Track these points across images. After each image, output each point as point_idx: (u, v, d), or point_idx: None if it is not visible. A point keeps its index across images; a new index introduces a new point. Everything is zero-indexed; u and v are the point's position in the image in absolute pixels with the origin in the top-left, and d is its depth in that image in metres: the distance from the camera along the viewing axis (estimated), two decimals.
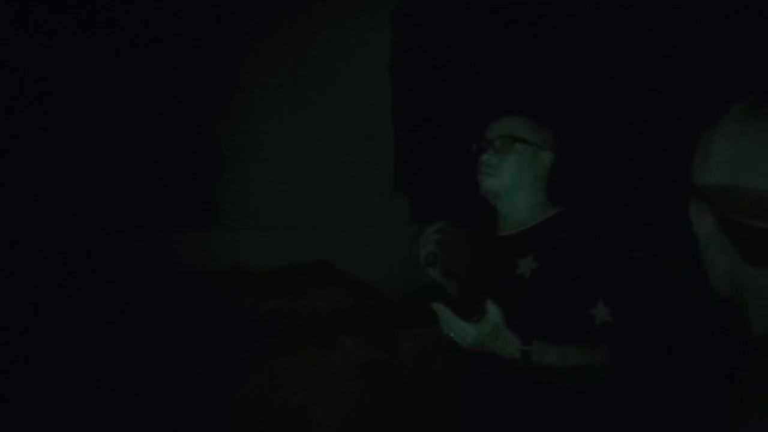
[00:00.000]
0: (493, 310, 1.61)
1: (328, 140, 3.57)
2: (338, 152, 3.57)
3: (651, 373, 2.00)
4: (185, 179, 3.50)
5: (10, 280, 3.04)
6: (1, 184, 3.23)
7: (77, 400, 2.75)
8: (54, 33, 3.39)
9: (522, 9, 3.80)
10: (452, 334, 1.62)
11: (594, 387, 1.74)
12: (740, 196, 0.84)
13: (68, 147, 3.37)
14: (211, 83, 3.47)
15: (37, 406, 2.70)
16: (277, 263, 3.35)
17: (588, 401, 1.76)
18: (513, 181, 1.90)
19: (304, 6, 3.51)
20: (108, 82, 3.40)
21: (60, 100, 3.40)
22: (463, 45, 3.83)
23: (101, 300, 3.02)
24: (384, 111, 3.68)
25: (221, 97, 3.49)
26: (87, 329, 2.94)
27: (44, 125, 3.38)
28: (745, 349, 0.91)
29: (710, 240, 0.91)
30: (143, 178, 3.42)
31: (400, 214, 3.66)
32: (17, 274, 3.07)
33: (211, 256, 3.30)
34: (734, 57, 3.28)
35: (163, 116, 3.43)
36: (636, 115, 3.77)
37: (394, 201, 3.66)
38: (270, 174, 3.53)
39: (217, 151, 3.52)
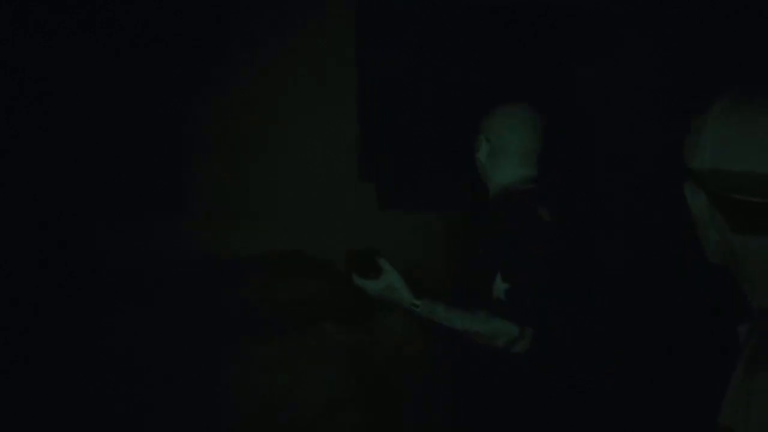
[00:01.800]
0: (387, 270, 1.86)
1: (293, 125, 3.58)
2: (307, 141, 3.59)
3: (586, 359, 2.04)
4: (154, 168, 3.47)
5: None
6: None
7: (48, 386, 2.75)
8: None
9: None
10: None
11: (510, 363, 1.87)
12: (729, 176, 0.95)
13: (30, 140, 3.34)
14: (181, 71, 3.44)
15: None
16: (249, 252, 3.38)
17: (505, 377, 1.90)
18: (482, 170, 2.10)
19: None
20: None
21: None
22: (432, 35, 3.79)
23: (72, 291, 3.03)
24: (350, 100, 3.69)
25: (190, 85, 3.47)
26: (60, 321, 2.95)
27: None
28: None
29: (703, 214, 1.02)
30: (109, 167, 3.40)
31: (369, 203, 3.65)
32: None
33: (182, 246, 3.31)
34: (727, 55, 3.29)
35: (129, 103, 3.41)
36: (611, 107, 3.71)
37: (363, 190, 3.67)
38: (240, 163, 3.53)
39: (186, 139, 3.49)
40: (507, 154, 2.04)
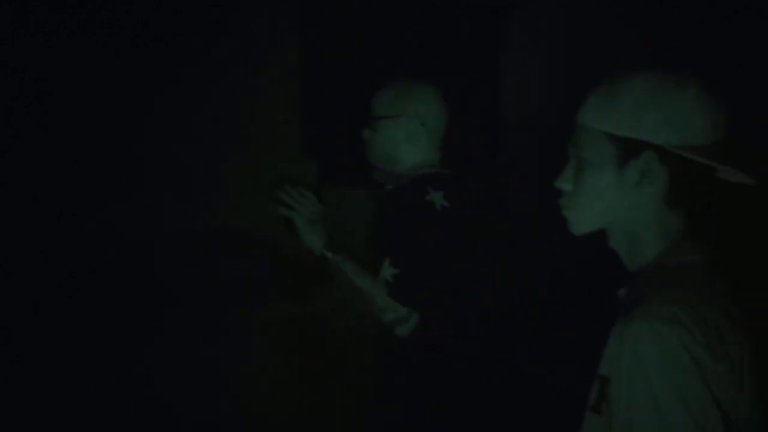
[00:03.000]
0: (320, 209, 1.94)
1: (234, 105, 3.56)
2: (245, 117, 3.57)
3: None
4: (101, 148, 3.45)
5: None
6: None
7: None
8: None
9: None
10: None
11: (396, 342, 1.90)
12: (695, 150, 1.05)
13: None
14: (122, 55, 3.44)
15: None
16: (188, 230, 3.39)
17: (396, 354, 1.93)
18: (386, 153, 2.01)
19: None
20: None
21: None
22: (372, 16, 3.77)
23: (36, 278, 3.05)
24: (292, 75, 3.67)
25: (131, 69, 3.47)
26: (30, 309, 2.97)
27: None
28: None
29: (645, 179, 1.08)
30: (60, 155, 3.39)
31: (308, 179, 3.68)
32: None
33: (119, 226, 3.31)
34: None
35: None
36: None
37: (301, 167, 3.64)
38: (178, 142, 3.51)
39: (128, 121, 3.48)
40: (416, 135, 1.99)
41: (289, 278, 3.19)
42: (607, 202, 1.11)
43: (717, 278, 1.08)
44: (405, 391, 1.95)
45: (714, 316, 1.00)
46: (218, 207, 3.48)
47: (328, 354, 3.10)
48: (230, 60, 3.56)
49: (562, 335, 3.00)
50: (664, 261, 1.09)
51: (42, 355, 3.02)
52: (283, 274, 3.21)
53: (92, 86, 3.42)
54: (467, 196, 1.94)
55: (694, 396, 0.95)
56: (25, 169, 3.30)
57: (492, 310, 2.26)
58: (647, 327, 0.97)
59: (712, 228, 1.13)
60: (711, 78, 1.08)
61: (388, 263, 1.84)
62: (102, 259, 3.18)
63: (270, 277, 3.23)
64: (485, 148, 3.72)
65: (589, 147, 1.11)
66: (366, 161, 2.10)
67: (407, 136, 1.99)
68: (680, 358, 0.95)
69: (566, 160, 1.18)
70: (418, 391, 1.94)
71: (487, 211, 2.03)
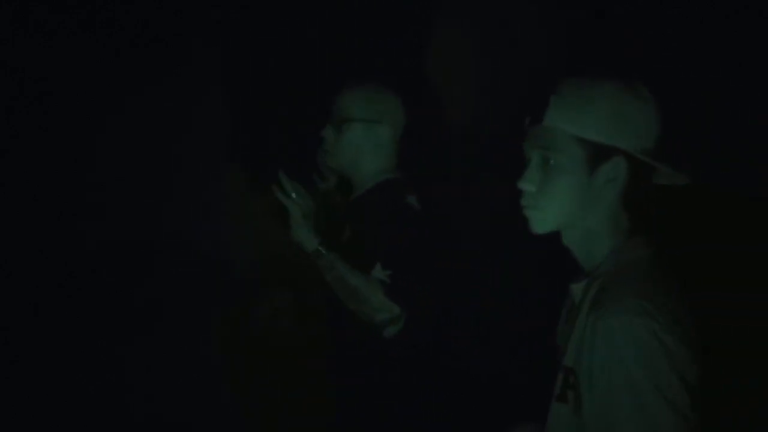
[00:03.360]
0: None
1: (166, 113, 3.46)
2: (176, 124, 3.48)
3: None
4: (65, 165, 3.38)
5: None
6: None
7: None
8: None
9: None
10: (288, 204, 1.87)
11: (384, 343, 1.92)
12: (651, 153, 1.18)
13: None
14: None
15: None
16: (118, 239, 3.29)
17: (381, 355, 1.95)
18: (350, 158, 2.02)
19: None
20: None
21: None
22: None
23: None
24: (222, 82, 3.59)
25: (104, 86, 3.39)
26: None
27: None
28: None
29: (612, 182, 1.18)
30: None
31: (234, 187, 3.54)
32: None
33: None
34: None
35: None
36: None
37: (233, 171, 3.55)
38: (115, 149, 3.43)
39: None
40: (385, 140, 2.00)
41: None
42: (571, 202, 1.20)
43: (665, 269, 1.20)
44: (390, 390, 1.98)
45: (670, 303, 1.12)
46: (145, 216, 3.37)
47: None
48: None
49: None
50: (619, 257, 1.20)
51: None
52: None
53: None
54: (436, 198, 2.04)
55: (665, 378, 1.06)
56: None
57: (478, 308, 2.32)
58: (621, 320, 1.07)
59: (653, 226, 1.25)
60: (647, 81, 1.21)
61: (379, 265, 1.87)
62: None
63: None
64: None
65: (557, 149, 1.18)
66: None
67: (376, 142, 2.01)
68: (651, 345, 1.06)
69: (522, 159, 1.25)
70: (403, 390, 1.98)
71: (457, 211, 2.06)
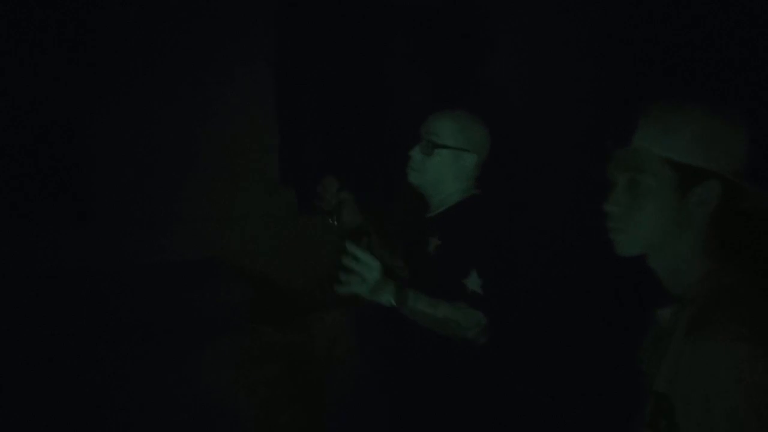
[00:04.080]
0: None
1: (211, 132, 3.44)
2: (222, 145, 3.46)
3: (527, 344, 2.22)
4: (52, 174, 3.29)
5: None
6: None
7: None
8: None
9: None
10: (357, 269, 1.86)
11: (468, 350, 1.99)
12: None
13: None
14: (83, 77, 3.27)
15: None
16: (164, 259, 3.25)
17: (463, 362, 2.01)
18: (435, 178, 2.15)
19: None
20: None
21: None
22: (351, 37, 3.74)
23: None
24: (268, 103, 3.60)
25: (93, 91, 3.29)
26: None
27: None
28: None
29: (703, 204, 1.16)
30: (9, 176, 3.21)
31: (287, 207, 3.58)
32: None
33: (90, 256, 3.13)
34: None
35: (30, 109, 3.24)
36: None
37: (280, 194, 3.57)
38: (150, 169, 3.36)
39: (91, 144, 3.32)
40: (470, 166, 2.14)
41: (273, 308, 3.14)
42: (659, 225, 1.19)
43: (763, 293, 1.14)
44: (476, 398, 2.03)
45: None
46: (194, 237, 3.34)
47: (317, 382, 3.06)
48: (203, 84, 3.44)
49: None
50: (714, 281, 1.16)
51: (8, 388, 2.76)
52: (267, 304, 3.15)
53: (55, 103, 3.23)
54: (504, 213, 2.14)
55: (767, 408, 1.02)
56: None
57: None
58: (721, 347, 1.04)
59: (747, 249, 1.20)
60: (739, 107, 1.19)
61: (475, 273, 1.95)
62: (71, 289, 2.97)
63: (250, 308, 3.11)
64: None
65: (646, 171, 1.18)
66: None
67: (463, 166, 2.14)
68: (754, 373, 1.02)
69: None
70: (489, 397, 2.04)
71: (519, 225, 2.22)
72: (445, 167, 2.13)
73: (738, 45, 3.02)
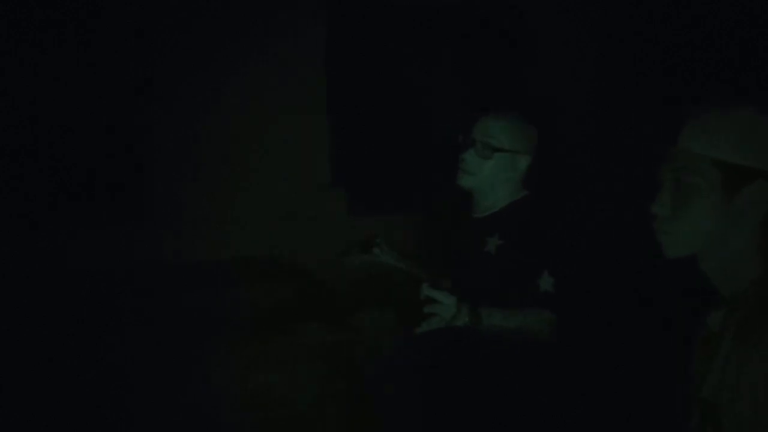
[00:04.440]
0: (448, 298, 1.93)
1: (263, 132, 3.50)
2: (273, 145, 3.50)
3: (593, 340, 2.29)
4: (108, 174, 3.39)
5: None
6: None
7: None
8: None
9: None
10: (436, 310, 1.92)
11: (539, 348, 2.02)
12: None
13: None
14: (134, 75, 3.35)
15: None
16: (218, 259, 3.34)
17: (534, 361, 2.04)
18: (489, 181, 2.15)
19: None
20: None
21: None
22: (401, 39, 3.74)
23: (26, 303, 2.96)
24: (319, 104, 3.63)
25: (144, 89, 3.37)
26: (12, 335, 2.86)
27: None
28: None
29: (754, 205, 1.13)
30: (63, 174, 3.33)
31: (338, 207, 3.63)
32: None
33: (150, 254, 3.25)
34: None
35: (89, 111, 3.33)
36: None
37: (332, 194, 3.61)
38: (204, 168, 3.45)
39: (150, 146, 3.41)
40: (523, 168, 2.17)
41: (320, 307, 3.19)
42: (708, 226, 1.16)
43: None
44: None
45: None
46: (246, 236, 3.43)
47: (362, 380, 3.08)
48: (255, 86, 3.54)
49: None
50: (764, 285, 1.13)
51: (33, 384, 2.80)
52: (313, 304, 3.20)
53: (50, 93, 3.33)
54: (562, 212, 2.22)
55: None
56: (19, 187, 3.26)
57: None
58: None
59: None
60: None
61: (546, 273, 2.01)
62: (104, 288, 3.08)
63: (298, 305, 3.19)
64: None
65: (694, 172, 1.16)
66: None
67: (517, 169, 2.16)
68: None
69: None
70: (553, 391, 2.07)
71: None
72: (501, 170, 2.14)
73: None
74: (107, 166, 3.43)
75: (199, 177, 3.46)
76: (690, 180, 1.16)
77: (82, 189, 3.39)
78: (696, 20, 3.42)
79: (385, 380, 2.71)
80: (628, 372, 2.94)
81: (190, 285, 3.13)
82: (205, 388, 2.78)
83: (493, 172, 2.14)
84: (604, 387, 2.68)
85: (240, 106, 3.51)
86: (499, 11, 3.81)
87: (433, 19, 3.79)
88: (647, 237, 1.27)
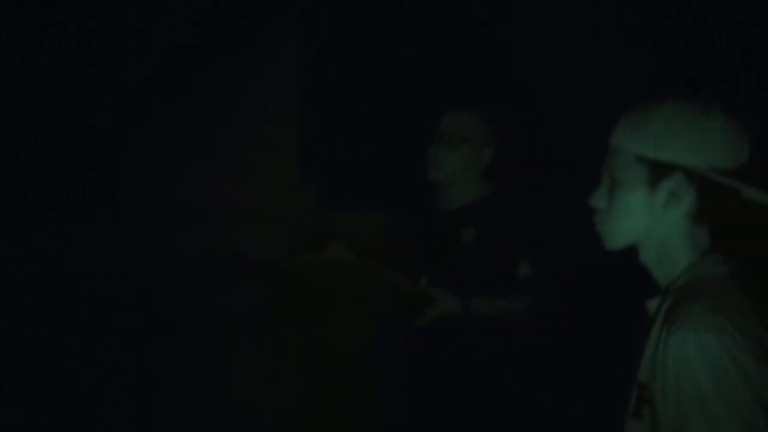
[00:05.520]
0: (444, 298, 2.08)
1: (232, 131, 3.50)
2: (242, 142, 3.51)
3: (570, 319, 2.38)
4: (87, 176, 3.39)
5: None
6: None
7: None
8: None
9: None
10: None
11: (527, 340, 2.12)
12: (725, 173, 1.15)
13: None
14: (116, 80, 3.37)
15: None
16: (186, 258, 3.31)
17: (512, 341, 2.12)
18: (456, 173, 2.20)
19: None
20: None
21: None
22: (373, 32, 3.72)
23: (26, 303, 3.00)
24: (289, 100, 3.62)
25: (125, 94, 3.39)
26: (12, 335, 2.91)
27: None
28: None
29: (674, 199, 1.17)
30: (63, 174, 3.36)
31: (307, 204, 3.60)
32: None
33: (120, 255, 3.24)
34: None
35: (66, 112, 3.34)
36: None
37: (301, 191, 3.60)
38: (174, 168, 3.45)
39: (120, 145, 3.41)
40: (495, 157, 2.21)
41: (295, 302, 3.22)
42: (637, 219, 1.22)
43: (746, 287, 1.16)
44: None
45: (749, 322, 1.09)
46: (217, 233, 3.41)
47: (339, 377, 3.15)
48: (224, 82, 3.53)
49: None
50: (695, 273, 1.18)
51: (38, 384, 2.90)
52: (289, 299, 3.22)
53: (87, 106, 3.36)
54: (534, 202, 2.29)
55: (741, 401, 1.03)
56: (18, 188, 3.28)
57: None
58: (693, 337, 1.06)
59: (734, 242, 1.22)
60: (735, 104, 1.19)
61: (526, 261, 2.10)
62: (103, 288, 3.13)
63: (274, 303, 3.22)
64: None
65: (621, 168, 1.22)
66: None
67: (484, 162, 2.21)
68: (726, 365, 1.04)
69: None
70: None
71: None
72: (467, 162, 2.19)
73: None
74: (107, 167, 3.47)
75: (170, 180, 3.47)
76: (617, 175, 1.22)
77: (82, 189, 3.42)
78: (696, 20, 3.41)
79: (377, 372, 2.78)
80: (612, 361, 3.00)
81: (161, 287, 3.14)
82: (192, 388, 2.84)
83: (458, 165, 2.19)
84: (588, 376, 2.75)
85: (209, 104, 3.53)
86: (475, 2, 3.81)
87: (407, 12, 3.79)
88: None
